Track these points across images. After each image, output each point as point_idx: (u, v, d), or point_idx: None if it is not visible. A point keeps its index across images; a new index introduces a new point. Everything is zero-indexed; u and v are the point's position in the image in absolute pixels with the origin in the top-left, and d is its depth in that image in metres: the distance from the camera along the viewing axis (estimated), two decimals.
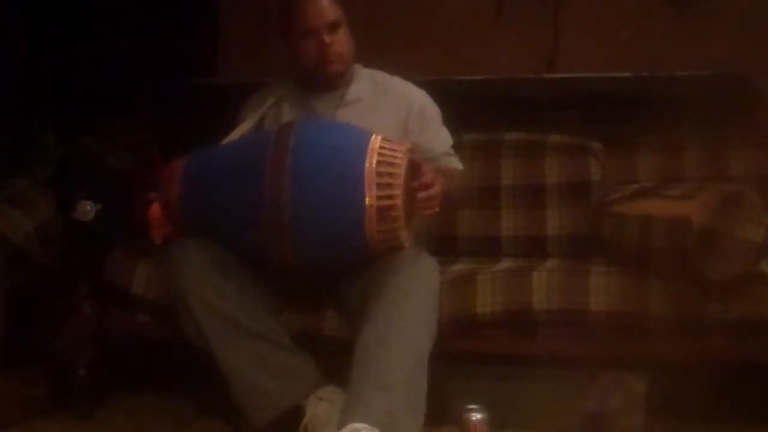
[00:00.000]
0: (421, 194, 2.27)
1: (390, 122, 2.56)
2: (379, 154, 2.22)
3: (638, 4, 3.18)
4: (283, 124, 2.44)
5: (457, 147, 2.69)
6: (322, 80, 2.59)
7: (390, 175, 2.22)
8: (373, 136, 2.27)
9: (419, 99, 2.63)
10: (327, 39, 2.50)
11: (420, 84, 2.69)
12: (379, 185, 2.20)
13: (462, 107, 2.71)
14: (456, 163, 2.65)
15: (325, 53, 2.51)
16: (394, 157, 2.24)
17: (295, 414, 2.27)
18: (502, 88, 3.15)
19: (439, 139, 2.63)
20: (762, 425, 2.36)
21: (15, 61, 3.16)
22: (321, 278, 2.39)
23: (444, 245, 2.76)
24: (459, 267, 2.60)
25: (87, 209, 2.58)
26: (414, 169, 2.28)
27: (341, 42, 2.53)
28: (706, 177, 2.75)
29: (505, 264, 2.62)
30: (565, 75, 3.19)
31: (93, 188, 2.63)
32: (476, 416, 2.05)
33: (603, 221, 2.67)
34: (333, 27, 2.51)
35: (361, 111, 2.57)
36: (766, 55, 3.01)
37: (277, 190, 2.22)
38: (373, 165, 2.21)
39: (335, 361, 2.30)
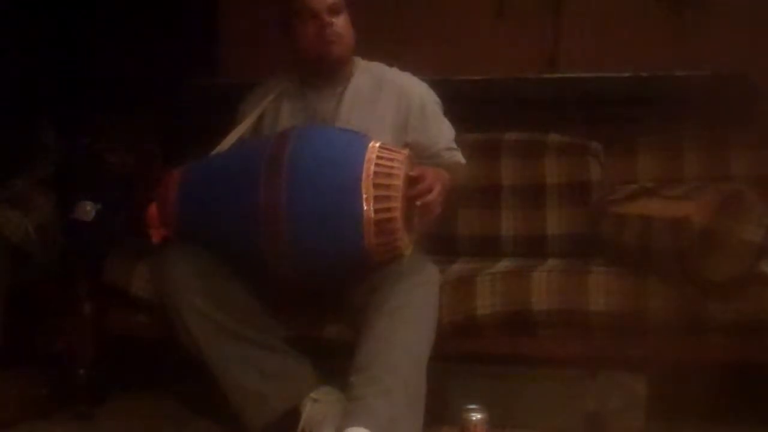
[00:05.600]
0: (419, 201, 2.25)
1: (390, 117, 2.54)
2: (377, 165, 2.20)
3: (638, 4, 3.18)
4: (279, 133, 2.42)
5: (457, 146, 2.68)
6: (322, 65, 2.55)
7: (387, 186, 2.19)
8: (371, 144, 2.24)
9: (419, 94, 2.61)
10: (327, 19, 2.48)
11: None
12: (376, 198, 2.18)
13: (462, 107, 2.70)
14: (458, 157, 2.63)
15: (326, 33, 2.49)
16: (392, 167, 2.21)
17: (292, 416, 2.27)
18: (502, 88, 3.15)
19: (441, 133, 2.61)
20: (762, 425, 2.36)
21: (15, 61, 3.15)
22: (320, 284, 2.38)
23: (444, 245, 2.76)
24: (459, 267, 2.60)
25: (87, 209, 2.58)
26: (412, 177, 2.25)
27: (342, 26, 2.51)
28: (706, 177, 2.75)
29: (504, 264, 2.62)
30: (565, 75, 3.19)
31: (93, 188, 2.63)
32: (476, 416, 2.04)
33: (603, 221, 2.67)
34: (334, 10, 2.50)
35: (362, 107, 2.55)
36: (766, 55, 3.01)
37: (272, 202, 2.21)
38: (371, 176, 2.18)
39: (334, 364, 2.31)
